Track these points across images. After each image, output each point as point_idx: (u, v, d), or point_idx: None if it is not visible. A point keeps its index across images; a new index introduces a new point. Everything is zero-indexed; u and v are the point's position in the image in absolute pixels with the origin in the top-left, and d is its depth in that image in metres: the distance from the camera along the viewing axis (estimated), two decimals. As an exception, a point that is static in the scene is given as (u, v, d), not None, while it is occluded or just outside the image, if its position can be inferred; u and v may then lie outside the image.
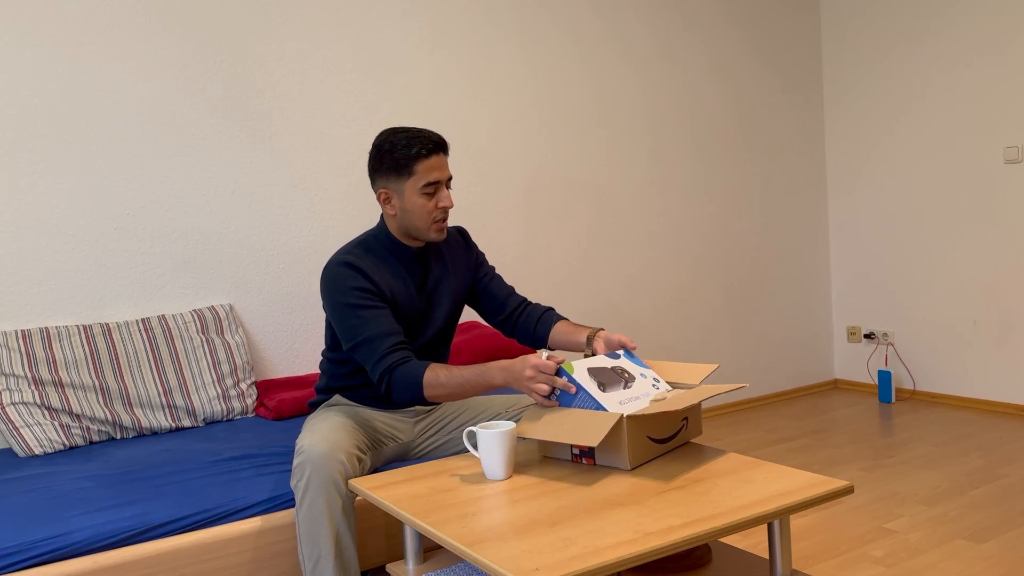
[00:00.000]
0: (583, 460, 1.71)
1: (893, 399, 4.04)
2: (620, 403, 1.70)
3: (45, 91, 2.54)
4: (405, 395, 1.84)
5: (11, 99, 2.50)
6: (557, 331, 2.07)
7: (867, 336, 4.28)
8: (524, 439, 1.94)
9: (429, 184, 1.91)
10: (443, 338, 2.11)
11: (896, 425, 3.62)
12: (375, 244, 2.01)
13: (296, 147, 2.95)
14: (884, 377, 4.05)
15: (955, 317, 3.91)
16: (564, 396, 1.72)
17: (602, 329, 1.98)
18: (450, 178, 1.97)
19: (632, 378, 1.80)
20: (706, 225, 3.99)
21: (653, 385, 1.81)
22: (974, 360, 3.86)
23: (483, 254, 2.19)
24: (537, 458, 1.76)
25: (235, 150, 2.84)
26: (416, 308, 2.01)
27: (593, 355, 1.92)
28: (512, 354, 2.98)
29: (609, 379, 1.76)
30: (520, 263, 3.45)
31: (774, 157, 4.23)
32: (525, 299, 2.17)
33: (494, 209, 3.38)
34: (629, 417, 1.61)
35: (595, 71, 3.65)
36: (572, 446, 1.70)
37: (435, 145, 1.92)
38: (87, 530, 1.71)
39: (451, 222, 3.26)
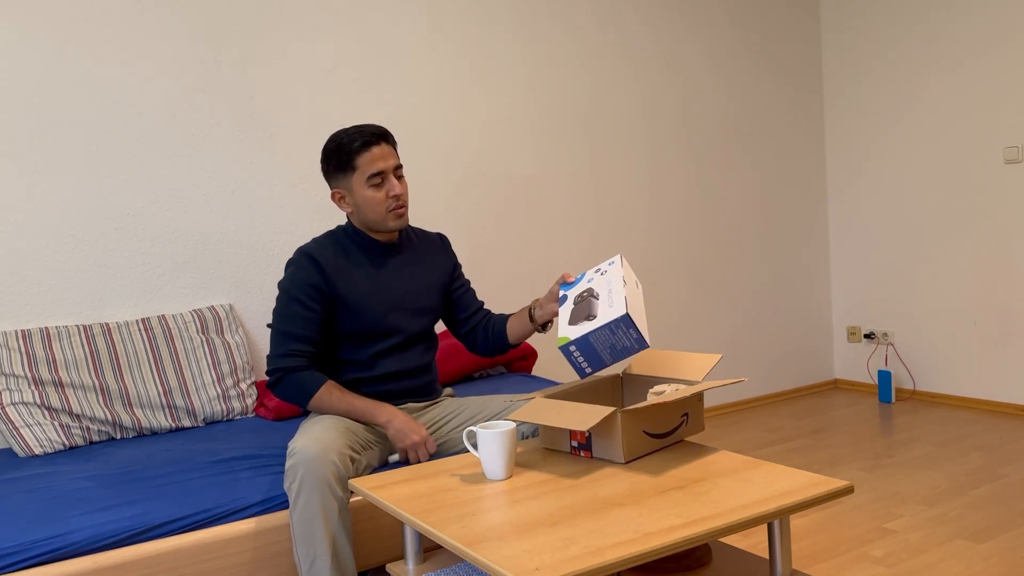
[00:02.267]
0: (581, 453, 1.74)
1: (893, 399, 4.04)
2: (609, 306, 1.78)
3: (45, 91, 2.54)
4: (290, 397, 1.95)
5: (11, 99, 2.50)
6: (510, 327, 2.14)
7: (867, 336, 4.28)
8: (525, 424, 2.01)
9: (373, 175, 1.95)
10: (425, 334, 2.12)
11: (896, 425, 3.62)
12: (344, 238, 2.05)
13: (296, 147, 2.95)
14: (884, 377, 4.05)
15: (955, 317, 3.91)
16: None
17: (535, 300, 2.10)
18: (398, 166, 1.99)
19: (592, 292, 1.88)
20: (706, 225, 3.99)
21: (601, 273, 1.91)
22: (974, 360, 3.86)
23: (460, 266, 2.25)
24: (537, 458, 1.77)
25: (235, 150, 2.84)
26: (385, 299, 2.03)
27: (542, 328, 2.09)
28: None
29: (581, 313, 1.85)
30: (520, 263, 3.45)
31: (774, 157, 4.23)
32: (488, 312, 2.24)
33: (494, 209, 3.38)
34: (624, 411, 1.65)
35: (595, 70, 3.65)
36: (571, 439, 1.75)
37: (374, 136, 1.96)
38: (87, 530, 1.71)
39: (448, 227, 3.27)
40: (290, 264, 2.00)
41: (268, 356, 1.97)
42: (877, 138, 4.17)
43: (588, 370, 1.81)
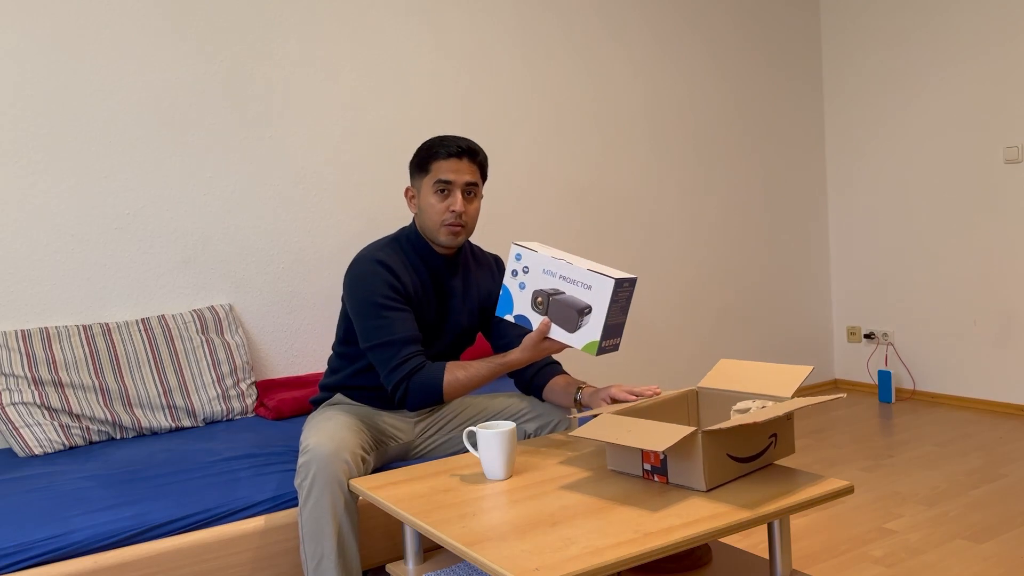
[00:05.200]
0: (655, 477, 1.57)
1: (893, 399, 4.04)
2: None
3: (45, 91, 2.54)
4: (422, 401, 1.86)
5: (11, 99, 2.50)
6: (549, 391, 2.04)
7: (867, 336, 4.28)
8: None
9: (440, 182, 1.93)
10: (453, 353, 2.11)
11: (896, 425, 3.62)
12: (406, 244, 2.02)
13: (296, 147, 2.95)
14: (884, 377, 4.05)
15: (955, 317, 3.91)
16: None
17: (585, 386, 1.97)
18: (471, 183, 1.96)
19: (547, 293, 1.78)
20: (706, 225, 3.99)
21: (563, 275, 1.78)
22: (974, 360, 3.85)
23: None
24: (537, 458, 1.76)
25: (235, 150, 2.84)
26: (432, 315, 2.01)
27: (583, 407, 1.94)
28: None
29: (568, 315, 1.75)
30: (520, 263, 3.45)
31: (774, 157, 4.23)
32: None
33: (493, 209, 3.38)
34: (707, 431, 1.47)
35: (595, 69, 3.65)
36: (644, 461, 1.59)
37: (458, 149, 1.94)
38: (87, 530, 1.71)
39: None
40: (357, 274, 1.92)
41: (382, 377, 1.88)
42: (877, 138, 4.17)
43: (617, 343, 1.76)
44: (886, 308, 4.20)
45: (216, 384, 2.59)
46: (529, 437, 2.00)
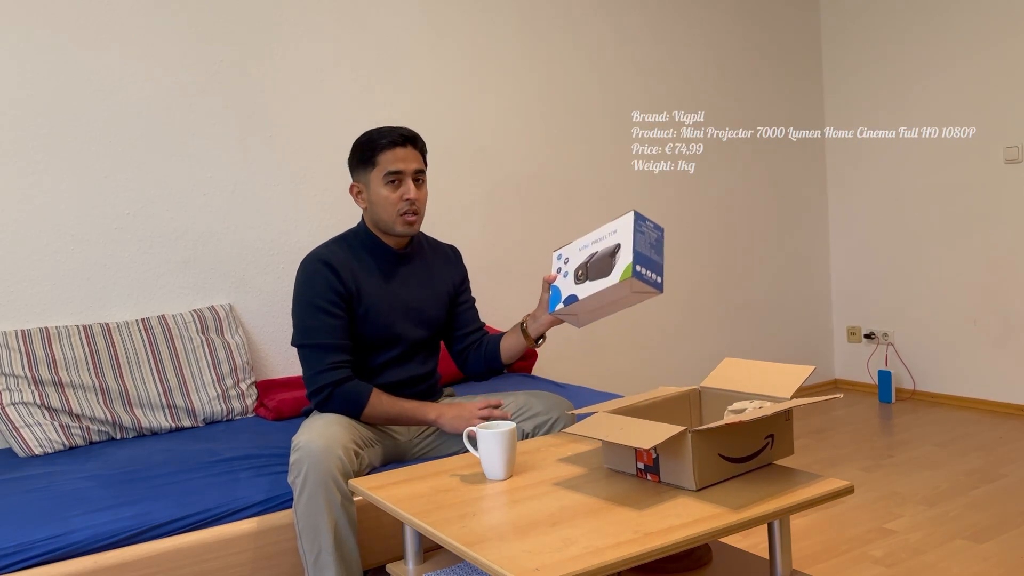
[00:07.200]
0: (648, 476, 1.58)
1: (893, 399, 4.04)
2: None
3: (45, 91, 2.54)
4: (340, 410, 1.91)
5: (11, 99, 2.50)
6: (504, 347, 2.11)
7: (867, 336, 4.28)
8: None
9: (391, 174, 1.95)
10: (430, 343, 2.12)
11: (896, 425, 3.62)
12: (355, 241, 2.04)
13: (296, 147, 2.95)
14: (884, 377, 4.05)
15: (955, 317, 3.91)
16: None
17: (526, 315, 2.09)
18: (418, 171, 1.99)
19: (589, 257, 1.86)
20: (706, 225, 3.99)
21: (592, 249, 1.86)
22: (974, 360, 3.85)
23: (469, 281, 2.22)
24: (537, 458, 1.76)
25: (235, 150, 2.84)
26: (393, 307, 2.02)
27: (536, 342, 2.05)
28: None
29: (603, 263, 1.83)
30: (520, 262, 3.45)
31: (774, 157, 4.23)
32: (485, 334, 2.19)
33: (495, 208, 3.38)
34: (697, 431, 1.47)
35: (596, 68, 3.66)
36: (637, 460, 1.59)
37: (401, 138, 1.96)
38: (87, 530, 1.71)
39: (449, 226, 3.26)
40: (303, 272, 1.95)
41: (307, 375, 1.91)
42: (877, 138, 4.17)
43: (659, 280, 1.80)
44: (886, 308, 4.20)
45: (216, 384, 2.59)
46: (528, 436, 2.00)
